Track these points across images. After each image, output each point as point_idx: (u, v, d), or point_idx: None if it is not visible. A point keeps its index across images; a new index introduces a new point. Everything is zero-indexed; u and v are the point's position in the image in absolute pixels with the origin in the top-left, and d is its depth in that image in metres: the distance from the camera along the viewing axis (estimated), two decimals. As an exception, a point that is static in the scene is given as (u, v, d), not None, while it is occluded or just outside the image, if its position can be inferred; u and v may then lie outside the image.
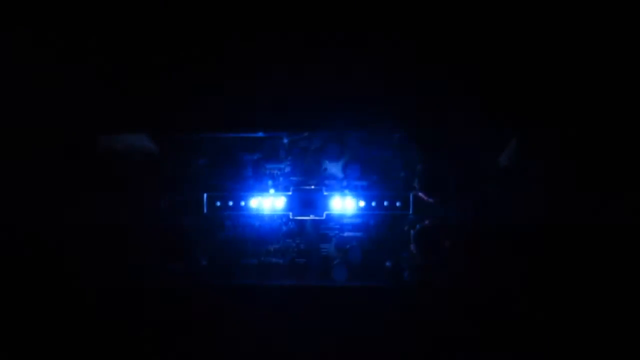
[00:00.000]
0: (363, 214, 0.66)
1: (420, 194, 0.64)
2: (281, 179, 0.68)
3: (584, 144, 0.59)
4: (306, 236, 0.68)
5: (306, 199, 0.65)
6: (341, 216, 0.67)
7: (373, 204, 0.65)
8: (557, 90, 0.60)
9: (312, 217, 0.65)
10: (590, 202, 0.59)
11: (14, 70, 0.62)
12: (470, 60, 0.60)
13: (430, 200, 0.64)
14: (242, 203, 0.65)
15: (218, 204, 0.65)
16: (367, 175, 0.66)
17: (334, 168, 0.68)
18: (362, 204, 0.65)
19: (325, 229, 0.68)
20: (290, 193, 0.65)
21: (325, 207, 0.65)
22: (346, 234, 0.68)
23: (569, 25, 0.59)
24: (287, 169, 0.68)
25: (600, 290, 0.59)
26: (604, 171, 0.59)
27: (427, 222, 0.65)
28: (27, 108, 0.62)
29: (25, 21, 0.62)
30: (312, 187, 0.66)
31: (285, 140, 0.67)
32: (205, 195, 0.65)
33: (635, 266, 0.59)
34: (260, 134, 0.65)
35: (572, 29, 0.59)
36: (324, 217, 0.65)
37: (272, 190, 0.66)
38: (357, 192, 0.66)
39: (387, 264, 0.67)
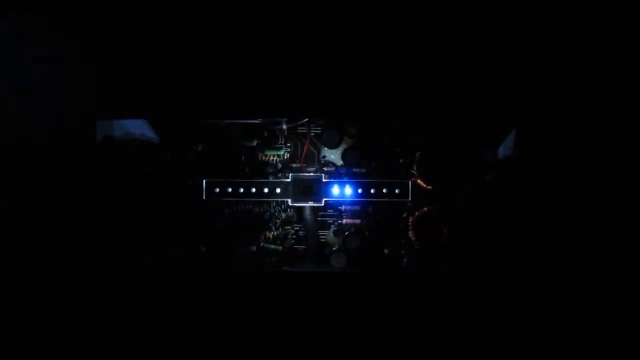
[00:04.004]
0: (362, 200, 0.66)
1: (419, 182, 0.64)
2: (280, 165, 0.68)
3: (583, 136, 0.59)
4: (305, 223, 0.68)
5: (305, 186, 0.65)
6: (340, 203, 0.68)
7: (372, 191, 0.64)
8: (557, 82, 0.59)
9: (311, 203, 0.65)
10: (588, 195, 0.59)
11: (13, 59, 0.62)
12: (471, 48, 0.60)
13: (429, 187, 0.64)
14: (241, 189, 0.65)
15: (217, 190, 0.65)
16: (365, 162, 0.66)
17: (332, 155, 0.68)
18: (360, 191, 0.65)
19: (324, 215, 0.68)
20: (289, 179, 0.65)
21: (324, 193, 0.65)
22: (345, 220, 0.68)
23: (568, 20, 0.59)
24: (286, 156, 0.68)
25: (599, 283, 0.59)
26: (603, 166, 0.59)
27: (425, 209, 0.64)
28: (26, 97, 0.62)
29: (25, 7, 0.62)
30: (311, 173, 0.66)
31: (284, 127, 0.67)
32: (204, 181, 0.65)
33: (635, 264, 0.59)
34: (259, 120, 0.65)
35: (571, 24, 0.59)
36: (322, 203, 0.65)
37: (270, 177, 0.66)
38: (356, 179, 0.66)
39: (386, 250, 0.67)
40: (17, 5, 0.62)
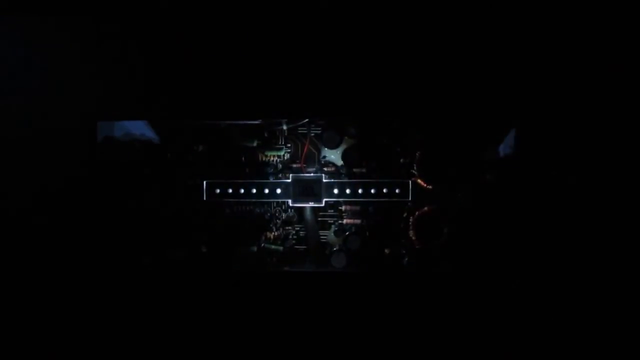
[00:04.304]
0: (362, 200, 0.66)
1: (420, 181, 0.64)
2: (280, 166, 0.68)
3: (583, 135, 0.59)
4: (305, 223, 0.68)
5: (305, 186, 0.65)
6: (340, 203, 0.68)
7: (372, 191, 0.64)
8: (557, 82, 0.59)
9: (311, 204, 0.65)
10: (588, 194, 0.59)
11: (14, 59, 0.62)
12: (471, 48, 0.60)
13: (429, 187, 0.64)
14: (242, 190, 0.65)
15: (217, 191, 0.65)
16: (366, 162, 0.66)
17: (333, 155, 0.68)
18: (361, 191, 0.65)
19: (324, 215, 0.68)
20: (289, 180, 0.65)
21: (324, 194, 0.65)
22: (345, 221, 0.68)
23: (568, 20, 0.59)
24: (287, 156, 0.68)
25: (599, 282, 0.59)
26: (603, 165, 0.59)
27: (426, 208, 0.65)
28: (27, 97, 0.62)
29: (26, 7, 0.62)
30: (312, 174, 0.67)
31: (285, 127, 0.67)
32: (204, 182, 0.65)
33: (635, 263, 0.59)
34: (259, 121, 0.65)
35: (570, 24, 0.59)
36: (323, 204, 0.65)
37: (271, 177, 0.66)
38: (356, 179, 0.66)
39: (386, 250, 0.67)
40: (19, 6, 0.62)
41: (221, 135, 0.67)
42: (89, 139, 0.63)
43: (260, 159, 0.68)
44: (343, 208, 0.68)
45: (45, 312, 0.63)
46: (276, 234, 0.69)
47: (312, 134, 0.67)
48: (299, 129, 0.67)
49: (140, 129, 0.67)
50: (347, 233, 0.67)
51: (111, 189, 0.64)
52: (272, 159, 0.68)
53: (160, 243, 0.65)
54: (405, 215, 0.66)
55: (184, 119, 0.66)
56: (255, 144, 0.67)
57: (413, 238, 0.65)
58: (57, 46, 0.62)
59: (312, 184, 0.65)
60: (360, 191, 0.65)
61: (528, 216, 0.60)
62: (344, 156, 0.67)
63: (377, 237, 0.67)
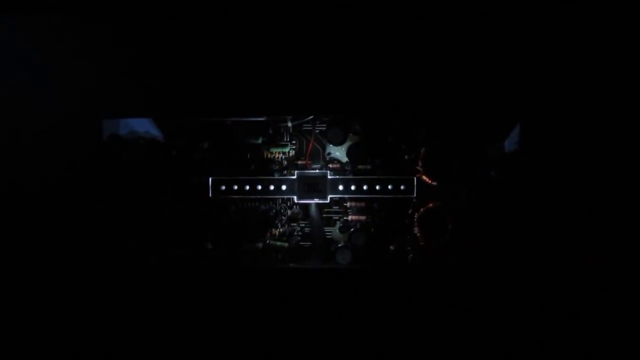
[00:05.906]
0: (367, 197, 0.66)
1: (424, 178, 0.64)
2: (285, 162, 0.68)
3: (587, 132, 0.59)
4: (310, 219, 0.68)
5: (310, 183, 0.65)
6: (345, 200, 0.68)
7: (377, 187, 0.65)
8: (561, 78, 0.59)
9: (316, 200, 0.66)
10: (592, 190, 0.59)
11: (18, 59, 0.62)
12: (475, 45, 0.60)
13: (434, 183, 0.64)
14: (247, 187, 0.65)
15: (223, 188, 0.65)
16: (370, 158, 0.66)
17: (338, 152, 0.68)
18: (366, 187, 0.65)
19: (329, 212, 0.69)
20: (294, 177, 0.65)
21: (329, 190, 0.65)
22: (350, 217, 0.68)
23: (571, 17, 0.59)
24: (292, 153, 0.68)
25: (602, 278, 0.60)
26: (607, 162, 0.59)
27: (430, 205, 0.65)
28: (32, 97, 0.62)
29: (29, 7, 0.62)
30: (317, 170, 0.67)
31: (290, 124, 0.67)
32: (210, 179, 0.65)
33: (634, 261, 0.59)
34: (264, 118, 0.65)
35: (573, 21, 0.59)
36: (328, 200, 0.65)
37: (276, 174, 0.66)
38: (361, 175, 0.66)
39: (391, 247, 0.67)
40: (23, 6, 0.62)
41: (226, 133, 0.67)
42: (94, 136, 0.63)
43: (265, 155, 0.68)
44: (348, 204, 0.68)
45: (50, 310, 0.63)
46: (281, 230, 0.69)
47: (317, 131, 0.68)
48: (304, 125, 0.67)
49: (145, 126, 0.67)
50: (352, 229, 0.67)
51: (116, 186, 0.64)
52: (277, 155, 0.68)
53: (165, 240, 0.66)
54: (409, 211, 0.66)
55: (189, 117, 0.66)
56: (260, 141, 0.67)
57: (417, 234, 0.65)
58: (61, 45, 0.62)
59: (317, 181, 0.65)
60: (365, 188, 0.65)
61: (532, 212, 0.60)
62: (348, 153, 0.67)
63: (382, 234, 0.67)
